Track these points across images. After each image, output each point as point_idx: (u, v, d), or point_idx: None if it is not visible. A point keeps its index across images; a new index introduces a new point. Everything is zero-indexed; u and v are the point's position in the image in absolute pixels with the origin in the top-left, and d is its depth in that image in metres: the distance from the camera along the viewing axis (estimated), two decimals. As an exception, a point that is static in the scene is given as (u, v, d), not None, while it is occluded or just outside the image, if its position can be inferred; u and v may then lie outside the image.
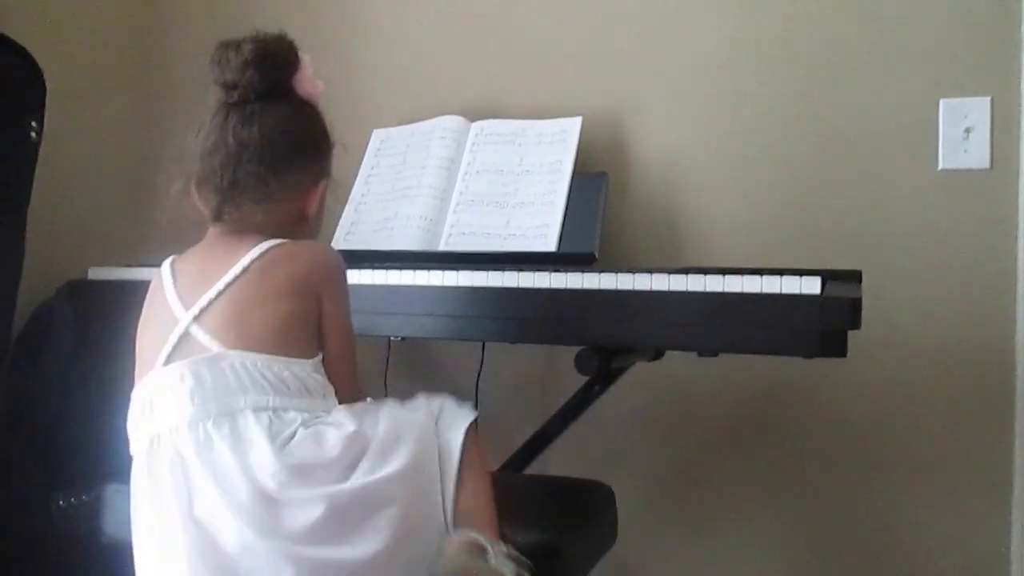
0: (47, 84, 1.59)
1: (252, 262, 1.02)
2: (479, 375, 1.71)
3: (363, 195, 1.77)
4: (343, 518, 0.92)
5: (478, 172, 1.70)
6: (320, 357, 1.03)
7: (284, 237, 1.06)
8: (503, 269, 1.29)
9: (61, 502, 1.43)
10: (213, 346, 0.97)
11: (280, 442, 0.93)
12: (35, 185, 1.58)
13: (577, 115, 1.68)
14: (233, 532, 0.90)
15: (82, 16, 1.98)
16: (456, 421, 1.07)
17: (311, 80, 1.10)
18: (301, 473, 0.92)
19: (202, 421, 0.93)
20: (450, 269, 1.33)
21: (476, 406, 1.68)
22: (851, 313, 1.12)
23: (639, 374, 1.55)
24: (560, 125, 1.69)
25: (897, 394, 1.56)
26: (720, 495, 1.68)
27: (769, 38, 1.64)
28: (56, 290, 1.75)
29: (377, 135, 1.84)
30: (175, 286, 1.04)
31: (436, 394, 1.12)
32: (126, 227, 1.97)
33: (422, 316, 1.32)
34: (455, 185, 1.70)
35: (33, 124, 1.52)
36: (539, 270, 1.28)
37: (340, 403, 1.02)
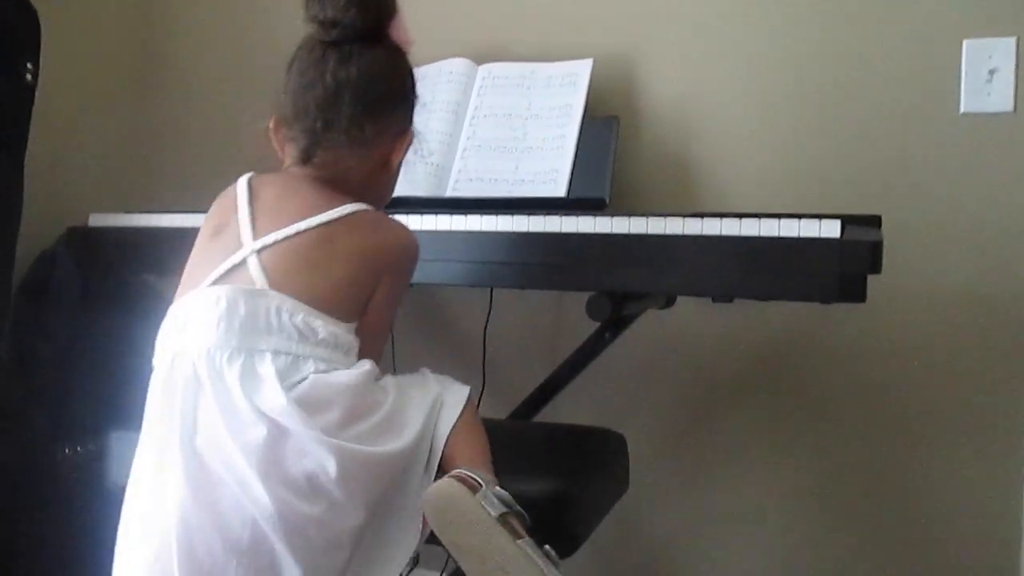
0: (43, 25, 1.55)
1: (335, 220, 1.00)
2: (487, 321, 1.68)
3: (368, 140, 1.73)
4: (345, 475, 0.91)
5: (485, 116, 1.66)
6: (356, 324, 1.02)
7: (367, 185, 1.07)
8: (512, 214, 1.26)
9: (67, 450, 1.42)
10: (260, 281, 0.96)
11: (289, 384, 0.91)
12: (34, 130, 1.55)
13: (588, 57, 1.63)
14: (229, 467, 0.90)
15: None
16: (451, 408, 1.05)
17: (404, 29, 1.08)
18: (307, 413, 0.91)
19: (220, 350, 0.92)
20: (458, 214, 1.30)
21: (484, 353, 1.70)
22: (871, 257, 1.09)
23: (651, 322, 1.53)
24: (570, 68, 1.64)
25: (915, 343, 1.53)
26: (733, 444, 1.66)
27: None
28: (57, 237, 1.73)
29: (381, 78, 1.79)
30: (250, 207, 1.02)
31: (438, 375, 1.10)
32: (127, 173, 1.94)
33: (430, 262, 1.29)
34: (462, 130, 1.66)
35: (29, 66, 1.49)
36: (549, 214, 1.25)
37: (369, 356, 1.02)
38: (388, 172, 1.11)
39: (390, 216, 1.11)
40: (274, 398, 0.90)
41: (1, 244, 1.48)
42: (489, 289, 1.68)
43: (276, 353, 0.93)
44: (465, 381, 1.11)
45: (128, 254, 1.62)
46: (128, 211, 1.62)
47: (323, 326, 0.96)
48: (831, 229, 1.11)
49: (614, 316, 1.24)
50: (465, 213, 1.30)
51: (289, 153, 1.07)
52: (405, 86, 1.10)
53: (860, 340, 1.55)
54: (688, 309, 1.48)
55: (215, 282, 0.97)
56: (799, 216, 1.14)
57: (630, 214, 1.21)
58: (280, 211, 1.01)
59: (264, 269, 0.97)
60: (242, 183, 1.06)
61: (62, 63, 1.69)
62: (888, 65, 1.54)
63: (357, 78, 1.02)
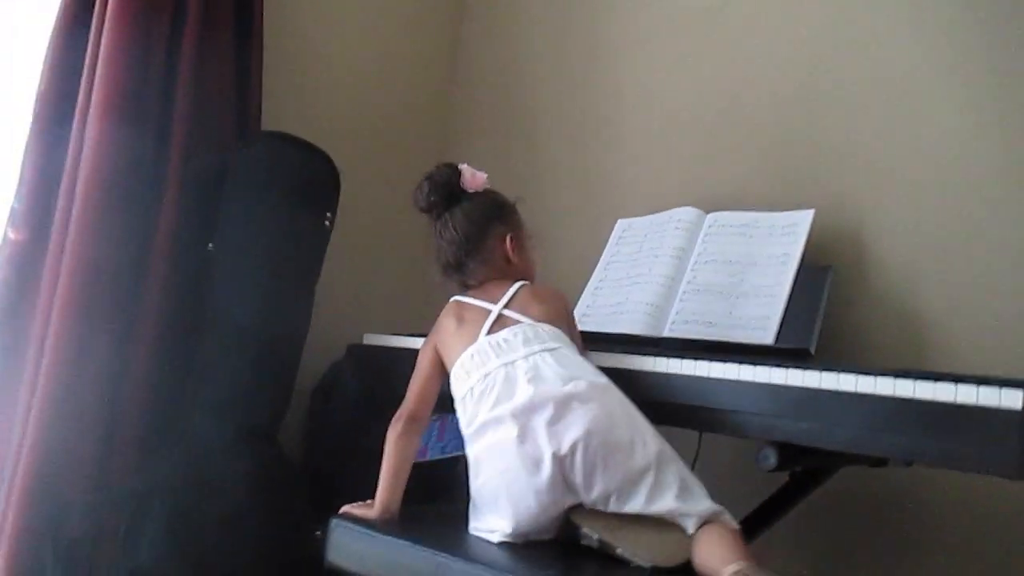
0: (347, 181, 1.94)
1: (519, 289, 1.47)
2: (694, 462, 1.71)
3: (601, 280, 1.89)
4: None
5: (707, 262, 1.74)
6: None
7: (513, 274, 1.51)
8: (708, 359, 1.33)
9: (318, 532, 1.68)
10: (525, 320, 1.40)
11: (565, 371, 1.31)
12: (327, 265, 1.92)
13: (811, 207, 1.66)
14: (551, 411, 1.28)
15: (378, 124, 2.38)
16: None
17: (472, 178, 1.53)
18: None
19: (533, 354, 1.35)
20: (660, 356, 1.40)
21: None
22: (1055, 434, 1.01)
23: (863, 479, 1.47)
24: (791, 218, 1.68)
25: None
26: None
27: (1016, 126, 1.51)
28: (347, 348, 2.08)
29: (621, 224, 1.96)
30: (474, 299, 1.48)
31: None
32: (395, 302, 2.28)
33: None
34: (684, 274, 1.76)
35: (328, 215, 1.86)
36: (736, 361, 1.30)
37: None
38: (511, 264, 1.52)
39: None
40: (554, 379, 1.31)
41: (291, 346, 1.84)
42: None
43: (550, 350, 1.35)
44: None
45: (392, 368, 1.90)
46: (395, 333, 1.91)
47: (563, 333, 1.40)
48: (1012, 399, 1.04)
49: (784, 467, 1.24)
50: (666, 356, 1.39)
51: (454, 289, 1.55)
52: (489, 211, 1.53)
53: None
54: (891, 469, 1.41)
55: (489, 332, 1.40)
56: (980, 381, 1.08)
57: (806, 367, 1.23)
58: (491, 296, 1.47)
59: (519, 312, 1.42)
60: (458, 296, 1.52)
61: (353, 212, 2.07)
62: None
63: (455, 231, 1.51)
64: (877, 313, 1.64)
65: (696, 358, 1.33)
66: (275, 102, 2.06)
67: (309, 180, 1.86)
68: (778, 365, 1.25)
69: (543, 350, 1.35)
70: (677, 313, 1.71)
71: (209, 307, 1.80)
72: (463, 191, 1.53)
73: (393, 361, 1.87)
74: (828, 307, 1.56)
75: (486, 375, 1.36)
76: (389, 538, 1.32)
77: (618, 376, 1.41)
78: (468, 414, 1.37)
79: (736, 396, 1.27)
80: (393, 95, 2.45)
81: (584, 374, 1.32)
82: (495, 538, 1.30)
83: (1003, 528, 1.48)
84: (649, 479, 1.23)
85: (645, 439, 1.27)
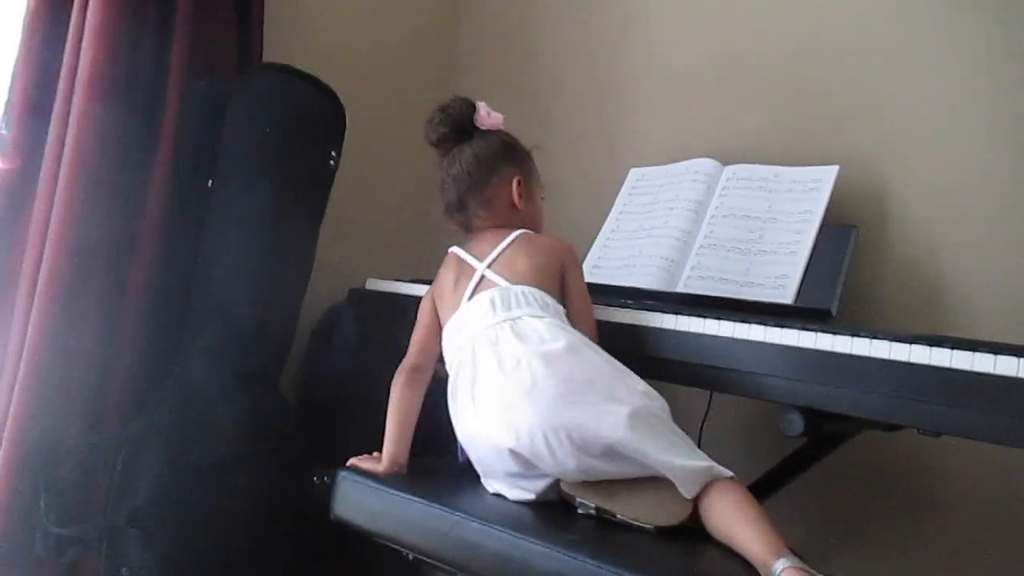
0: (353, 121, 1.86)
1: (513, 240, 1.42)
2: (703, 422, 1.69)
3: (613, 231, 1.84)
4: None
5: (725, 216, 1.70)
6: (566, 310, 1.38)
7: (516, 221, 1.47)
8: (730, 318, 1.29)
9: (315, 479, 1.64)
10: (502, 283, 1.36)
11: (547, 337, 1.28)
12: (332, 207, 1.85)
13: (836, 163, 1.61)
14: (504, 397, 1.25)
15: (386, 60, 2.28)
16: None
17: (487, 115, 1.48)
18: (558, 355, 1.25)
19: (495, 325, 1.31)
20: (673, 312, 1.36)
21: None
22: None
23: (878, 442, 1.46)
24: (814, 173, 1.64)
25: None
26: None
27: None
28: (348, 292, 2.03)
29: (634, 174, 1.90)
30: (469, 253, 1.44)
31: None
32: (400, 247, 2.22)
33: (657, 359, 1.35)
34: (700, 228, 1.71)
35: (333, 154, 1.78)
36: (756, 322, 1.26)
37: (590, 327, 1.38)
38: (517, 209, 1.48)
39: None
40: (540, 342, 1.27)
41: (294, 288, 1.78)
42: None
43: (530, 317, 1.31)
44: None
45: (393, 315, 1.85)
46: (399, 279, 1.86)
47: (544, 295, 1.35)
48: (1052, 370, 1.02)
49: (811, 433, 1.21)
50: (676, 314, 1.35)
51: (457, 228, 1.52)
52: (499, 151, 1.48)
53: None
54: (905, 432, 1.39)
55: (471, 296, 1.38)
56: (1018, 353, 1.05)
57: (836, 331, 1.19)
58: (482, 248, 1.44)
59: (498, 275, 1.38)
60: (456, 249, 1.48)
61: (359, 153, 1.99)
62: None
63: (460, 168, 1.47)
64: (900, 275, 1.61)
65: (718, 317, 1.29)
66: (277, 33, 1.97)
67: (313, 116, 1.78)
68: (804, 327, 1.22)
69: (507, 319, 1.31)
70: (692, 268, 1.67)
71: (208, 245, 1.73)
72: (476, 128, 1.48)
73: (394, 308, 1.83)
74: (850, 267, 1.52)
75: (459, 348, 1.35)
76: (401, 494, 1.29)
77: (636, 333, 1.38)
78: (451, 387, 1.36)
79: (760, 359, 1.24)
80: (399, 32, 2.36)
81: (540, 346, 1.26)
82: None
83: (1011, 497, 1.48)
84: (624, 445, 1.18)
85: (614, 404, 1.20)
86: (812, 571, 1.05)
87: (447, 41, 2.45)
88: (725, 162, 1.76)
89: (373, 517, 1.32)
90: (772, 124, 1.81)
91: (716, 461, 1.21)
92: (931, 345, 1.11)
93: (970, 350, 1.08)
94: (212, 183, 1.73)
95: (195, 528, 1.61)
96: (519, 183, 1.48)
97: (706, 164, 1.78)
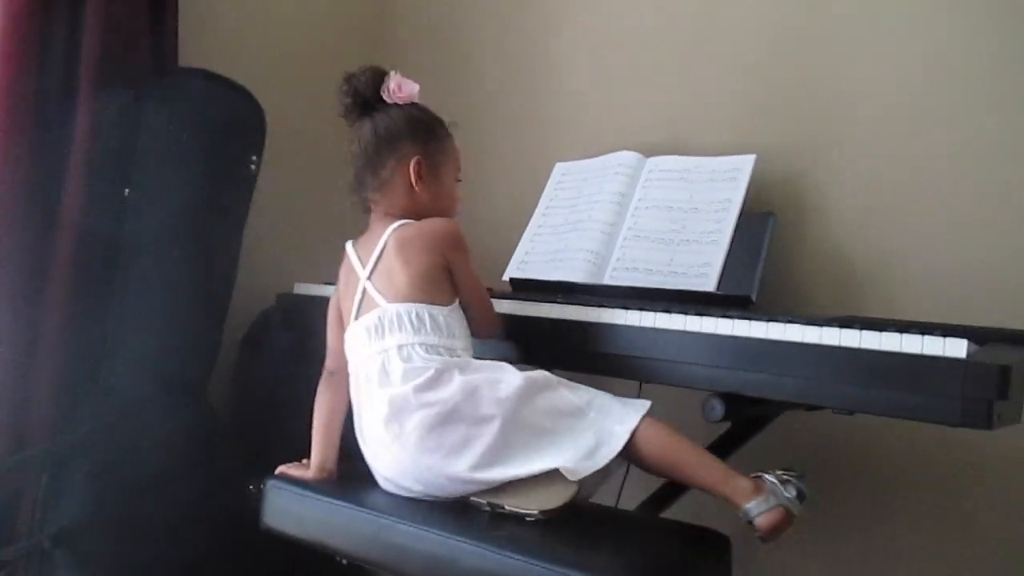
0: (274, 123, 1.84)
1: (389, 238, 1.34)
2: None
3: (539, 226, 1.85)
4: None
5: (648, 208, 1.72)
6: (456, 303, 1.33)
7: (406, 211, 1.38)
8: (653, 310, 1.31)
9: (251, 487, 1.62)
10: (381, 301, 1.31)
11: (410, 375, 1.24)
12: (258, 213, 1.83)
13: (753, 153, 1.64)
14: (380, 437, 1.27)
15: (305, 62, 2.24)
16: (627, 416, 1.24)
17: (398, 88, 1.39)
18: (409, 401, 1.23)
19: (373, 356, 1.28)
20: (603, 307, 1.37)
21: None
22: (1000, 382, 1.02)
23: (802, 425, 1.49)
24: (732, 163, 1.66)
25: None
26: (858, 562, 1.56)
27: (972, 74, 1.51)
28: (276, 298, 2.00)
29: (559, 168, 1.91)
30: (356, 255, 1.38)
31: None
32: (328, 250, 2.19)
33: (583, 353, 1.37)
34: (625, 220, 1.73)
35: (253, 158, 1.76)
36: (678, 311, 1.28)
37: (482, 333, 1.37)
38: (421, 191, 1.39)
39: (422, 220, 1.38)
40: (397, 388, 1.25)
41: (218, 295, 1.75)
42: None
43: (399, 347, 1.27)
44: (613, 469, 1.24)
45: (324, 319, 1.83)
46: (328, 282, 1.84)
47: (425, 311, 1.29)
48: (956, 348, 1.05)
49: (732, 417, 1.24)
50: (600, 306, 1.37)
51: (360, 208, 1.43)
52: (400, 128, 1.39)
53: (1018, 460, 1.41)
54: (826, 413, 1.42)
55: (357, 316, 1.34)
56: (924, 330, 1.09)
57: (751, 317, 1.22)
58: (366, 248, 1.38)
59: (378, 290, 1.32)
60: (348, 246, 1.42)
61: (281, 156, 1.96)
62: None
63: (361, 145, 1.39)
64: (817, 260, 1.64)
65: (641, 308, 1.31)
66: (192, 36, 1.93)
67: (231, 120, 1.75)
68: (724, 316, 1.24)
69: (380, 352, 1.28)
70: (618, 260, 1.69)
71: (128, 256, 1.69)
72: (381, 100, 1.39)
73: (324, 312, 1.80)
74: (768, 253, 1.55)
75: (355, 373, 1.35)
76: (329, 500, 1.28)
77: (562, 327, 1.39)
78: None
79: (682, 347, 1.26)
80: (320, 30, 2.33)
81: (403, 387, 1.24)
82: None
83: (939, 476, 1.52)
84: (490, 480, 1.21)
85: (473, 443, 1.21)
86: (784, 496, 1.18)
87: (370, 40, 2.43)
88: (647, 154, 1.78)
89: (302, 525, 1.31)
90: (692, 115, 1.84)
91: None
92: (842, 327, 1.14)
93: (878, 330, 1.11)
94: (128, 192, 1.70)
95: (126, 545, 1.59)
96: (418, 164, 1.38)
97: (629, 157, 1.79)
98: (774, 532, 1.18)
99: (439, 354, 1.26)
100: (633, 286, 1.63)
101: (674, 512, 1.50)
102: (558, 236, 1.79)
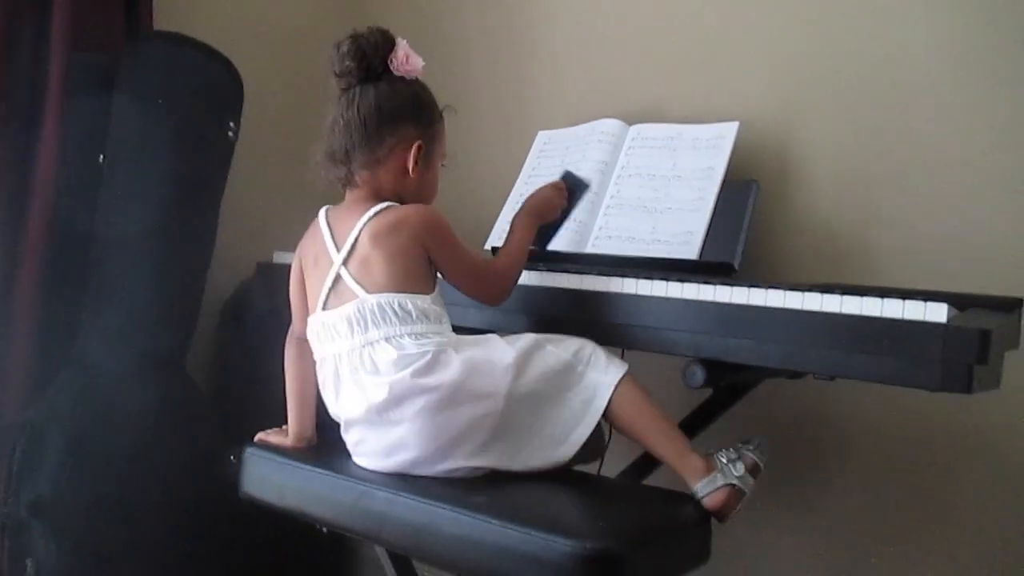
0: (252, 91, 1.81)
1: (367, 222, 1.26)
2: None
3: (522, 195, 1.82)
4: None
5: (631, 175, 1.70)
6: (437, 290, 1.28)
7: (391, 193, 1.31)
8: (635, 276, 1.30)
9: (233, 457, 1.61)
10: (359, 292, 1.23)
11: (405, 361, 1.19)
12: (237, 181, 1.80)
13: (738, 120, 1.63)
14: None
15: (284, 28, 2.21)
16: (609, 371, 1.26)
17: (405, 59, 1.29)
18: (410, 387, 1.19)
19: (356, 349, 1.22)
20: (585, 273, 1.36)
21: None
22: (980, 346, 1.02)
23: (783, 393, 1.49)
24: (716, 130, 1.65)
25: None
26: (842, 529, 1.57)
27: (942, 39, 1.50)
28: (256, 267, 1.98)
29: (541, 136, 1.89)
30: (329, 231, 1.30)
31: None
32: (307, 218, 2.17)
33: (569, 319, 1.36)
34: (607, 188, 1.71)
35: (231, 125, 1.73)
36: (659, 278, 1.28)
37: (482, 299, 1.34)
38: (414, 177, 1.32)
39: (400, 205, 1.30)
40: (390, 376, 1.20)
41: (195, 266, 1.73)
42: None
43: (387, 339, 1.21)
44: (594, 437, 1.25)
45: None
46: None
47: (408, 300, 1.22)
48: (937, 313, 1.05)
49: (713, 384, 1.23)
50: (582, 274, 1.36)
51: (336, 182, 1.33)
52: (405, 105, 1.30)
53: (998, 426, 1.42)
54: (809, 381, 1.42)
55: (325, 305, 1.27)
56: (905, 295, 1.08)
57: (733, 283, 1.21)
58: (343, 228, 1.28)
59: (355, 278, 1.24)
60: (321, 215, 1.33)
61: (260, 123, 1.93)
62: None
63: (359, 115, 1.27)
64: (800, 228, 1.63)
65: (623, 275, 1.30)
66: (167, 1, 1.89)
67: (208, 86, 1.72)
68: (706, 282, 1.23)
69: (366, 344, 1.22)
70: (600, 228, 1.68)
71: (103, 225, 1.66)
72: (388, 70, 1.29)
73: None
74: (752, 221, 1.55)
75: (322, 360, 1.29)
76: (308, 467, 1.27)
77: (544, 294, 1.38)
78: (320, 381, 1.32)
79: (664, 313, 1.25)
80: (299, -4, 2.29)
81: (396, 375, 1.20)
82: None
83: (917, 441, 1.53)
84: (494, 466, 1.21)
85: (464, 443, 1.20)
86: (733, 475, 1.20)
87: (349, 7, 2.39)
88: (630, 122, 1.76)
89: (281, 493, 1.30)
90: (675, 82, 1.82)
91: None
92: (823, 292, 1.14)
93: (859, 295, 1.11)
94: (103, 159, 1.67)
95: (103, 516, 1.57)
96: (419, 149, 1.31)
97: (611, 124, 1.77)
98: (722, 511, 1.19)
99: (429, 338, 1.22)
100: (616, 254, 1.62)
101: (656, 479, 1.50)
102: (541, 205, 1.77)
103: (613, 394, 1.23)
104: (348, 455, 1.30)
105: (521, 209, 1.45)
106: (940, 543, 1.50)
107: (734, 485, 1.19)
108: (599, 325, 1.32)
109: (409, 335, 1.21)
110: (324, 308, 1.28)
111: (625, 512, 1.17)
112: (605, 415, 1.24)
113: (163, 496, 1.62)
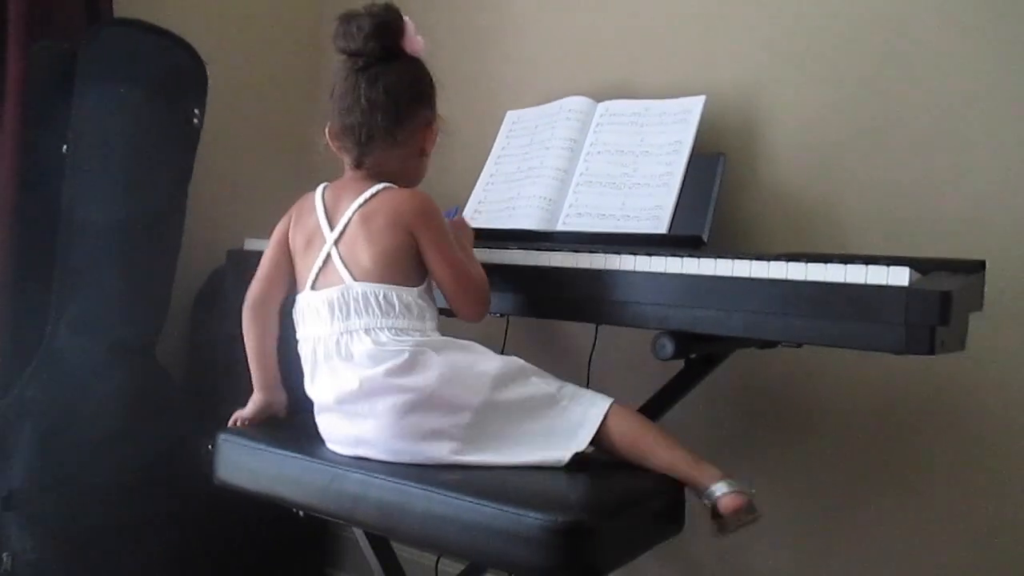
0: (218, 77, 1.79)
1: (363, 204, 1.25)
2: (592, 354, 1.72)
3: (492, 175, 1.83)
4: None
5: (599, 152, 1.70)
6: (425, 284, 1.26)
7: (394, 176, 1.29)
8: (603, 251, 1.30)
9: (210, 446, 1.61)
10: (346, 277, 1.22)
11: (381, 357, 1.18)
12: (204, 168, 1.79)
13: (703, 94, 1.63)
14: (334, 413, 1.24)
15: (247, 12, 2.19)
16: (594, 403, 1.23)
17: (415, 39, 1.29)
18: (381, 384, 1.18)
19: (334, 335, 1.21)
20: (555, 250, 1.36)
21: (588, 385, 1.72)
22: (940, 308, 1.03)
23: (754, 363, 1.50)
24: (682, 104, 1.65)
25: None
26: (820, 494, 1.60)
27: (913, 10, 1.50)
28: (227, 254, 1.97)
29: (510, 116, 1.89)
30: (324, 209, 1.28)
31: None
32: (278, 203, 2.16)
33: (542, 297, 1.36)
34: (577, 165, 1.71)
35: (196, 111, 1.72)
36: (627, 252, 1.28)
37: (460, 313, 1.27)
38: (419, 163, 1.34)
39: (397, 188, 1.29)
40: (365, 369, 1.19)
41: (164, 254, 1.71)
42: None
43: (367, 330, 1.19)
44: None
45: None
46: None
47: (393, 293, 1.21)
48: (899, 277, 1.06)
49: (683, 355, 1.24)
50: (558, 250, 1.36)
51: (345, 160, 1.31)
52: (423, 87, 1.30)
53: (967, 386, 1.44)
54: (780, 351, 1.43)
55: (314, 285, 1.25)
56: (868, 261, 1.09)
57: (700, 255, 1.22)
58: (338, 207, 1.27)
59: (344, 261, 1.23)
60: (318, 192, 1.31)
61: (232, 111, 1.92)
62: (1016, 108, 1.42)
63: (385, 95, 1.25)
64: (767, 199, 1.64)
65: (591, 251, 1.30)
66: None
67: (171, 73, 1.70)
68: (673, 255, 1.24)
69: (344, 332, 1.21)
70: (571, 206, 1.68)
71: (68, 215, 1.65)
72: (402, 49, 1.27)
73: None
74: (720, 194, 1.55)
75: (304, 340, 1.28)
76: (280, 451, 1.27)
77: (514, 273, 1.38)
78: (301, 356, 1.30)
79: (632, 287, 1.25)
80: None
81: (370, 370, 1.18)
82: None
83: (888, 404, 1.55)
84: (466, 461, 1.18)
85: (443, 437, 1.18)
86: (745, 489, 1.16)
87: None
88: (598, 99, 1.76)
89: (255, 478, 1.30)
90: (641, 58, 1.82)
91: (606, 392, 1.24)
92: (788, 261, 1.14)
93: (823, 262, 1.12)
94: (66, 148, 1.65)
95: (79, 507, 1.57)
96: (433, 133, 1.32)
97: (579, 102, 1.77)
98: (735, 515, 1.15)
99: (409, 335, 1.20)
100: (587, 231, 1.62)
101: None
102: (511, 184, 1.77)
103: (606, 422, 1.20)
104: (321, 439, 1.30)
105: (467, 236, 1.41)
106: (910, 504, 1.52)
107: (751, 498, 1.17)
108: (570, 301, 1.32)
109: (389, 329, 1.20)
110: (312, 288, 1.26)
111: (598, 485, 1.17)
112: (602, 447, 1.21)
113: (139, 485, 1.61)
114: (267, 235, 1.81)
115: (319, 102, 2.26)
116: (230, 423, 1.40)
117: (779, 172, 1.64)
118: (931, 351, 1.04)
